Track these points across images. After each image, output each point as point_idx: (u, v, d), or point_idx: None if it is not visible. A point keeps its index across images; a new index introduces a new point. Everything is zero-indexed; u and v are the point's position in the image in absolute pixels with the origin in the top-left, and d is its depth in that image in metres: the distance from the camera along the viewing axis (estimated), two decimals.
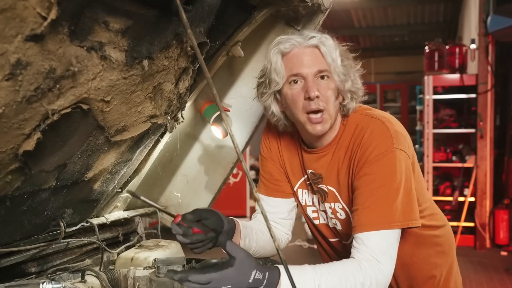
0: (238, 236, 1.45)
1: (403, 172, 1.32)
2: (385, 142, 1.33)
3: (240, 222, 1.50)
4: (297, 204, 1.66)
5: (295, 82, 1.38)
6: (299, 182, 1.59)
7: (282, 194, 1.62)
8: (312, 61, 1.36)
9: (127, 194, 1.84)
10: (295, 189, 1.61)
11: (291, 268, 1.12)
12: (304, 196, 1.60)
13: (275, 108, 1.46)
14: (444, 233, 1.58)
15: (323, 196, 1.52)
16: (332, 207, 1.50)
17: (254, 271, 1.12)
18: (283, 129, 1.52)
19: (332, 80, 1.37)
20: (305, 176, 1.56)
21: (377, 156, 1.32)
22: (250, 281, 1.11)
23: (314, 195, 1.57)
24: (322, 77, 1.37)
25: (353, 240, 1.32)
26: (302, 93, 1.37)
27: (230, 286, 1.10)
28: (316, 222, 1.61)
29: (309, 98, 1.35)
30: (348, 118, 1.45)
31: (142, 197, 1.21)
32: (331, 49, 1.37)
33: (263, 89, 1.44)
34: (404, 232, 1.39)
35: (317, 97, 1.35)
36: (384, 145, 1.32)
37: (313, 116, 1.37)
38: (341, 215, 1.49)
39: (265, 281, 1.13)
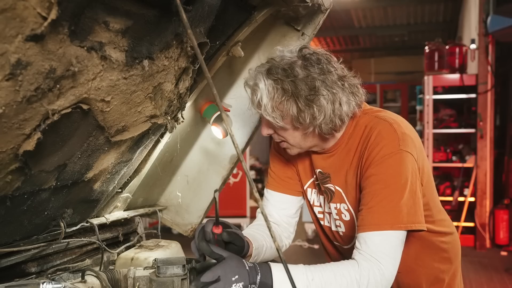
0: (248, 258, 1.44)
1: (409, 174, 1.31)
2: (392, 143, 1.33)
3: (253, 240, 1.44)
4: (302, 204, 1.68)
5: None
6: (309, 181, 1.61)
7: (293, 192, 1.63)
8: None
9: (127, 194, 1.84)
10: (304, 187, 1.62)
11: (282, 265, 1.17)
12: (313, 196, 1.61)
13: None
14: (451, 240, 1.57)
15: (329, 196, 1.52)
16: (338, 208, 1.51)
17: (244, 262, 1.19)
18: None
19: (284, 128, 1.38)
20: (314, 176, 1.57)
21: (383, 157, 1.32)
22: (247, 268, 1.17)
23: (321, 196, 1.58)
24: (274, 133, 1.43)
25: (356, 240, 1.32)
26: None
27: (237, 277, 1.15)
28: (322, 222, 1.62)
29: None
30: (358, 119, 1.44)
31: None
32: (266, 102, 1.33)
33: None
34: (411, 235, 1.39)
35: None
36: (390, 146, 1.33)
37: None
38: (345, 216, 1.49)
39: (259, 271, 1.19)
